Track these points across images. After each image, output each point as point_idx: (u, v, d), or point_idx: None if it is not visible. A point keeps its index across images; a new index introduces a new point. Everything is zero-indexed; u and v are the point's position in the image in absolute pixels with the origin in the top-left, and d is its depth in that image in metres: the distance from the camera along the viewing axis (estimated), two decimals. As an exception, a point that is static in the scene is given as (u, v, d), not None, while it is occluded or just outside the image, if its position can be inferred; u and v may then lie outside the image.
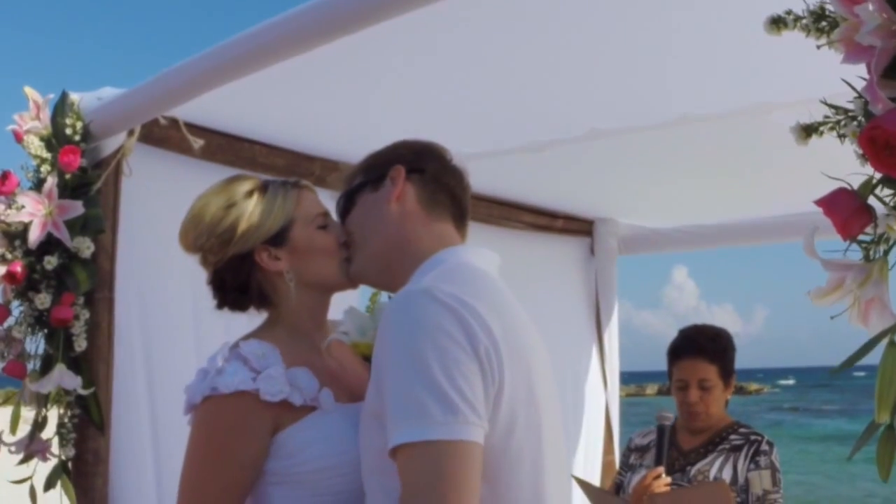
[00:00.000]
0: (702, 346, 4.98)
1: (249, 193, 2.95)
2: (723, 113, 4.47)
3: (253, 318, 3.05)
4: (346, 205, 2.88)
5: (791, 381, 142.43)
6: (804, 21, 2.00)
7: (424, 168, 2.80)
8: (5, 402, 4.14)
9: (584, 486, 4.85)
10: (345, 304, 3.06)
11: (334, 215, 3.00)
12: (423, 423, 2.20)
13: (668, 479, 4.65)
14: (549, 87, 4.33)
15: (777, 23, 2.05)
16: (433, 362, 2.23)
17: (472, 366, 2.26)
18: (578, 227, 7.12)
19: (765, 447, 4.75)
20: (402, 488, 2.23)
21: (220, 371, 2.73)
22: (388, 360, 2.33)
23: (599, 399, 7.16)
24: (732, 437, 4.85)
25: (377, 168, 2.83)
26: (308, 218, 2.96)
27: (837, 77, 1.86)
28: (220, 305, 3.03)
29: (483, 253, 2.71)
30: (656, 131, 4.77)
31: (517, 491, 2.38)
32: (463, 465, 2.19)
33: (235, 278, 2.94)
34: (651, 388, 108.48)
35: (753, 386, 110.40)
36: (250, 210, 2.91)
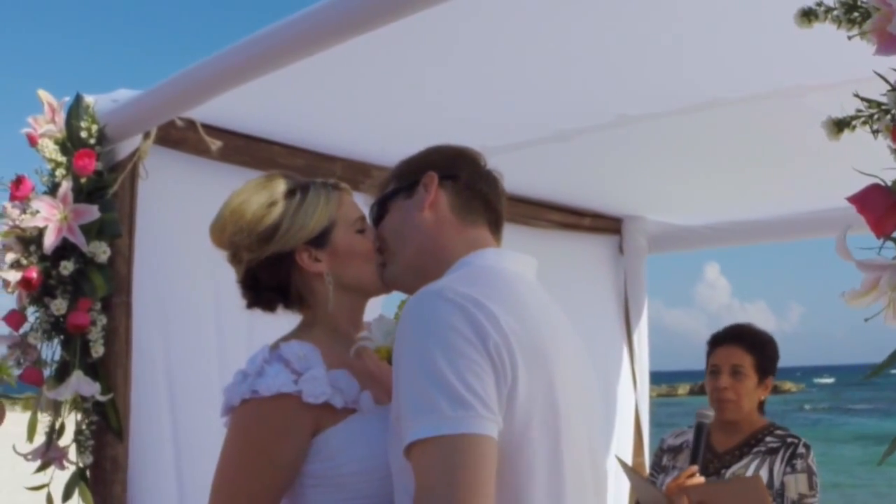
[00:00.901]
0: (741, 335, 5.00)
1: (291, 192, 2.94)
2: (754, 96, 4.42)
3: (278, 321, 3.04)
4: (380, 211, 2.89)
5: (830, 380, 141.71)
6: (835, 12, 1.97)
7: (458, 174, 2.80)
8: (25, 408, 4.14)
9: (626, 468, 4.85)
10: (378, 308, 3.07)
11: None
12: (433, 419, 2.21)
13: (702, 480, 4.61)
14: (576, 73, 4.29)
15: (808, 15, 2.03)
16: (441, 359, 2.25)
17: (482, 362, 2.27)
18: (606, 225, 7.08)
19: (801, 450, 4.71)
20: (415, 484, 2.24)
21: (260, 373, 2.72)
22: (401, 361, 2.35)
23: (629, 400, 7.13)
24: (768, 439, 4.82)
25: (410, 175, 2.83)
26: (348, 221, 2.97)
27: (874, 58, 1.83)
28: (251, 305, 3.02)
29: (515, 256, 2.71)
30: (686, 117, 4.72)
31: (532, 493, 2.37)
32: (475, 458, 2.20)
33: (272, 278, 2.93)
34: (683, 388, 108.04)
35: (788, 385, 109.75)
36: (293, 209, 2.90)
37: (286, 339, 2.88)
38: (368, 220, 2.98)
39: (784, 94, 4.35)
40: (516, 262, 2.69)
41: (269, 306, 3.01)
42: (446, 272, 2.63)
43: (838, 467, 34.45)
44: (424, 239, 2.73)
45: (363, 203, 3.06)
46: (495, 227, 2.83)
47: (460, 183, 2.79)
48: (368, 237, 2.95)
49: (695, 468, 4.59)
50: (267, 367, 2.73)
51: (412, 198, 2.79)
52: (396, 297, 3.01)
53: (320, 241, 2.91)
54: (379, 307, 3.10)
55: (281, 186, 2.95)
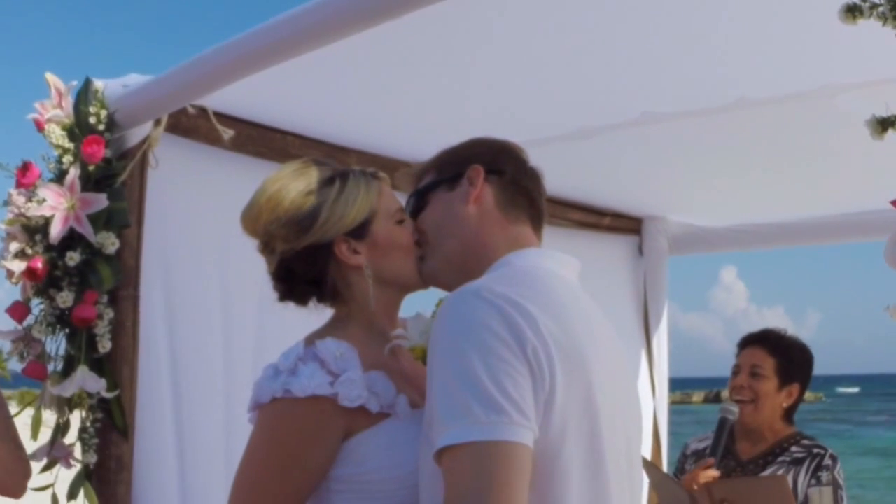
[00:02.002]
0: (767, 337, 5.05)
1: (330, 181, 2.87)
2: (783, 96, 4.40)
3: (288, 319, 3.01)
4: (419, 203, 2.87)
5: (854, 389, 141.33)
6: (881, 9, 1.95)
7: (503, 169, 2.80)
8: (26, 405, 4.13)
9: (648, 465, 4.83)
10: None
11: None
12: (466, 425, 2.20)
13: (717, 473, 4.60)
14: (600, 68, 4.28)
15: (852, 11, 2.02)
16: (477, 362, 2.24)
17: (519, 366, 2.25)
18: (626, 225, 7.06)
19: (828, 461, 4.70)
20: (445, 492, 2.22)
21: (293, 371, 2.68)
22: (434, 362, 2.34)
23: (647, 407, 7.08)
24: (794, 448, 4.81)
25: (453, 166, 2.82)
26: (388, 212, 2.91)
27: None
28: (283, 298, 2.96)
29: (557, 256, 2.71)
30: (711, 117, 4.70)
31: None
32: (508, 467, 2.18)
33: (308, 270, 2.87)
34: (697, 396, 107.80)
35: (806, 394, 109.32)
36: (333, 198, 2.84)
37: (321, 335, 2.82)
38: (406, 213, 2.95)
39: (814, 94, 4.34)
40: (558, 262, 2.69)
41: (301, 300, 2.95)
42: (487, 270, 2.62)
43: (856, 480, 34.37)
44: (467, 234, 2.73)
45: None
46: (537, 225, 2.83)
47: (506, 178, 2.79)
48: (408, 229, 2.91)
49: (712, 461, 4.59)
50: (302, 365, 2.68)
51: (455, 190, 2.78)
52: (433, 294, 2.98)
53: (360, 232, 2.86)
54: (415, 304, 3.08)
55: (320, 173, 2.89)
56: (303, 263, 2.87)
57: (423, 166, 2.93)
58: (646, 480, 4.94)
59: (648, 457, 6.98)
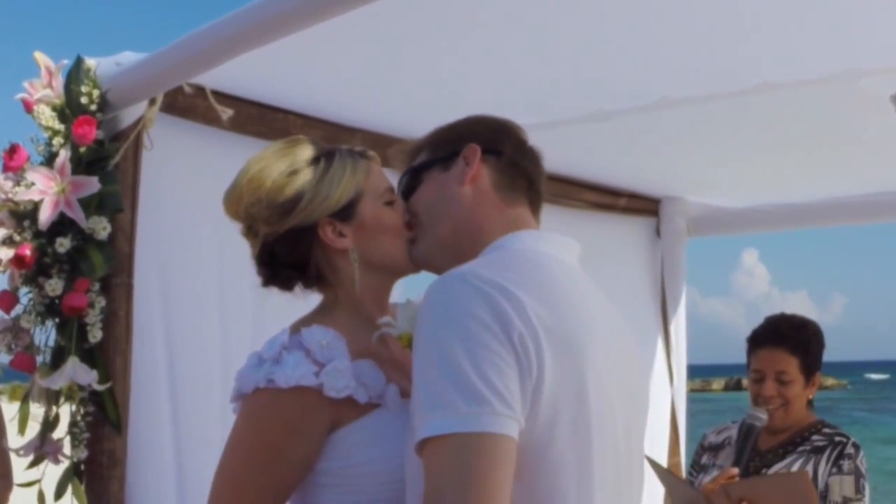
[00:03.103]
0: (784, 334, 4.91)
1: (315, 160, 2.86)
2: (806, 80, 4.38)
3: (286, 308, 2.98)
4: (411, 182, 2.85)
5: (884, 376, 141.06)
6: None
7: (501, 149, 2.78)
8: (13, 397, 4.10)
9: (657, 467, 4.78)
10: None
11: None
12: (446, 415, 2.18)
13: (736, 471, 4.56)
14: (618, 51, 4.25)
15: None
16: (459, 350, 2.21)
17: (504, 354, 2.22)
18: (643, 206, 7.05)
19: (850, 450, 4.66)
20: (425, 486, 2.20)
21: (277, 360, 2.65)
22: (417, 350, 2.32)
23: (665, 395, 7.09)
24: (815, 437, 4.77)
25: (449, 144, 2.79)
26: (377, 192, 2.89)
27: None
28: (267, 283, 2.94)
29: (555, 238, 2.67)
30: (733, 100, 4.68)
31: (559, 499, 2.32)
32: (489, 459, 2.16)
33: (291, 254, 2.85)
34: (717, 384, 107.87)
35: (830, 381, 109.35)
36: (317, 178, 2.82)
37: (307, 322, 2.80)
38: (398, 193, 2.92)
39: (837, 78, 4.31)
40: (556, 245, 2.65)
41: (286, 285, 2.94)
42: (480, 254, 2.59)
43: (878, 470, 34.36)
44: (462, 216, 2.70)
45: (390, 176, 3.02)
46: (536, 208, 2.80)
47: (504, 158, 2.76)
48: (398, 210, 2.89)
49: (735, 471, 4.54)
50: (286, 354, 2.66)
51: (450, 170, 2.75)
52: (425, 278, 2.94)
53: (346, 213, 2.84)
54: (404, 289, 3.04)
55: (304, 153, 2.88)
56: (286, 247, 2.85)
57: (416, 144, 2.91)
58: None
59: (666, 448, 6.97)
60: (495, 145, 2.77)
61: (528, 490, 2.27)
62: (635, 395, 2.63)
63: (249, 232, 2.91)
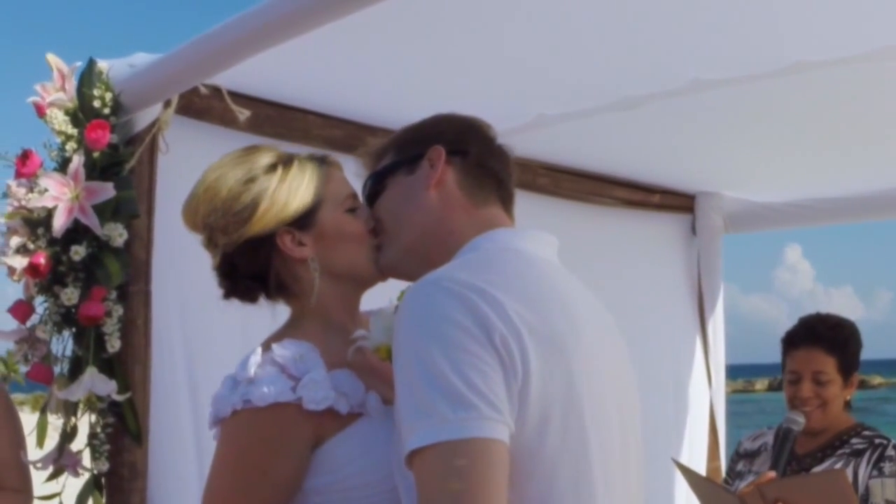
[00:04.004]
0: (820, 334, 4.88)
1: (272, 167, 2.86)
2: (844, 58, 4.32)
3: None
4: (376, 187, 2.84)
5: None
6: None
7: (467, 149, 2.76)
8: (35, 408, 4.12)
9: (687, 472, 4.76)
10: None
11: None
12: (432, 424, 2.17)
13: (772, 474, 4.53)
14: (645, 31, 4.21)
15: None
16: (439, 356, 2.21)
17: (486, 357, 2.22)
18: (678, 202, 7.02)
19: (891, 452, 4.64)
20: (418, 498, 2.19)
21: (252, 380, 2.65)
22: (397, 361, 2.32)
23: (703, 397, 7.08)
24: (854, 440, 4.74)
25: (412, 146, 2.78)
26: (337, 199, 2.89)
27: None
28: (228, 295, 2.97)
29: (531, 235, 2.66)
30: (766, 83, 4.63)
31: (556, 501, 2.31)
32: (482, 465, 2.15)
33: (251, 264, 2.87)
34: (761, 384, 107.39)
35: (878, 380, 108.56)
36: (274, 187, 2.82)
37: (277, 337, 2.81)
38: (361, 197, 2.91)
39: (877, 56, 4.27)
40: (533, 241, 2.65)
41: (248, 296, 2.96)
42: (454, 258, 2.58)
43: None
44: (428, 221, 2.69)
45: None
46: (509, 205, 2.79)
47: (470, 159, 2.75)
48: (361, 217, 2.89)
49: (772, 474, 4.51)
50: (260, 372, 2.66)
51: (415, 174, 2.74)
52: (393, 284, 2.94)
53: (304, 222, 2.84)
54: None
55: (261, 160, 2.88)
56: (245, 257, 2.86)
57: (382, 145, 2.89)
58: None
59: (704, 453, 6.94)
60: (461, 145, 2.75)
61: (520, 497, 2.26)
62: (629, 393, 2.62)
63: (209, 243, 2.92)
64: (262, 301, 3.01)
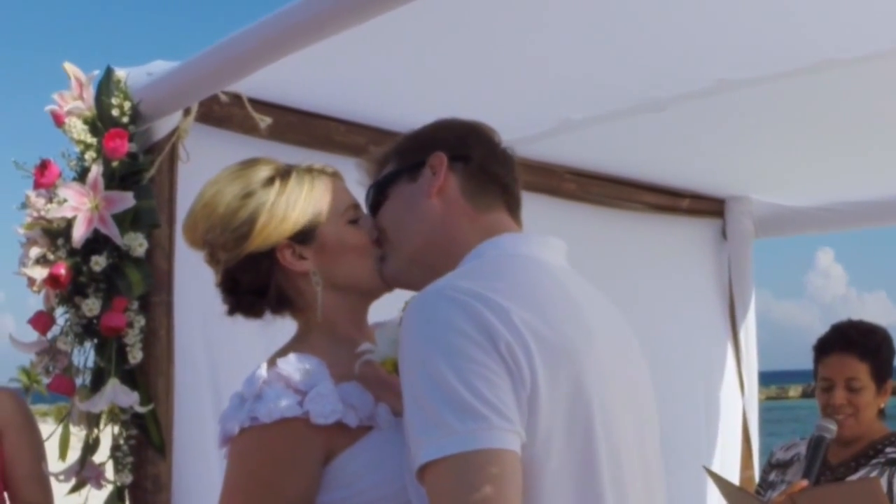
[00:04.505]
0: (852, 340, 4.85)
1: (269, 181, 2.85)
2: (873, 54, 4.28)
3: None
4: (378, 196, 2.82)
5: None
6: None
7: (470, 155, 2.73)
8: (58, 419, 4.12)
9: (719, 481, 4.74)
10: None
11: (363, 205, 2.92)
12: (441, 437, 2.16)
13: (805, 483, 4.50)
14: (669, 32, 4.20)
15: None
16: (445, 367, 2.19)
17: (493, 365, 2.20)
18: (707, 207, 7.00)
19: (926, 461, 4.61)
20: None
21: (259, 396, 2.64)
22: (403, 374, 2.31)
23: (735, 405, 7.05)
24: (889, 449, 4.72)
25: (414, 153, 2.76)
26: (338, 211, 2.87)
27: None
28: (232, 311, 2.97)
29: (538, 240, 2.64)
30: (795, 82, 4.59)
31: None
32: (494, 476, 2.13)
33: (252, 280, 2.86)
34: (794, 390, 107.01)
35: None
36: (272, 201, 2.80)
37: (283, 352, 2.79)
38: (364, 207, 2.90)
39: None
40: (539, 246, 2.62)
41: (251, 312, 2.95)
42: (458, 266, 2.55)
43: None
44: (432, 230, 2.67)
45: None
46: (514, 210, 2.76)
47: (472, 164, 2.72)
48: (363, 228, 2.87)
49: (805, 483, 4.48)
50: (266, 388, 2.64)
51: (417, 181, 2.72)
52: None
53: (305, 235, 2.83)
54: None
55: (259, 174, 2.87)
56: (246, 273, 2.85)
57: (384, 153, 2.88)
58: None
59: (738, 462, 6.92)
60: (463, 151, 2.72)
61: None
62: (644, 401, 2.59)
63: (211, 259, 2.92)
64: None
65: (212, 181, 2.88)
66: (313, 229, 2.82)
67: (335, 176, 2.96)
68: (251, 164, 2.91)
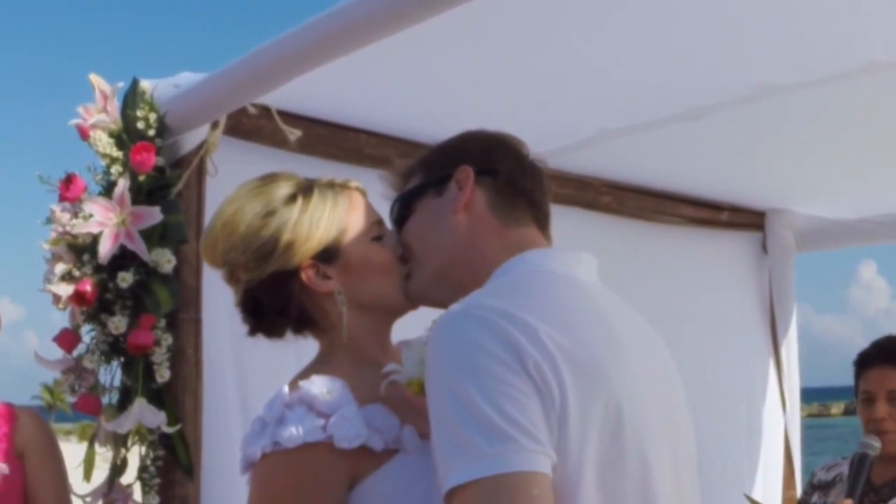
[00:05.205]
0: (893, 352, 4.83)
1: (291, 198, 2.81)
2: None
3: None
4: (403, 211, 2.78)
5: None
6: None
7: (497, 169, 2.68)
8: (82, 437, 4.12)
9: None
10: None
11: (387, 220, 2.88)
12: (469, 461, 2.11)
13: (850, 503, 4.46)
14: (708, 37, 4.17)
15: None
16: (472, 387, 2.15)
17: (521, 385, 2.16)
18: (748, 220, 6.97)
19: (976, 481, 4.57)
20: None
21: (281, 420, 2.59)
22: (429, 395, 2.27)
23: (777, 423, 7.00)
24: (936, 468, 4.67)
25: (440, 167, 2.71)
26: (362, 228, 2.83)
27: None
28: (253, 332, 2.92)
29: (567, 255, 2.60)
30: (837, 89, 4.56)
31: None
32: (526, 499, 2.09)
33: (275, 300, 2.82)
34: (836, 407, 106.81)
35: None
36: (295, 219, 2.76)
37: (305, 374, 2.74)
38: (389, 221, 2.85)
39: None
40: (569, 262, 2.58)
41: (273, 332, 2.91)
42: (485, 284, 2.51)
43: None
44: (458, 246, 2.62)
45: None
46: (544, 225, 2.72)
47: (500, 179, 2.67)
48: (388, 245, 2.83)
49: (849, 502, 4.44)
50: (288, 412, 2.60)
51: (443, 196, 2.67)
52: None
53: (329, 254, 2.78)
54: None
55: (279, 191, 2.82)
56: (268, 293, 2.81)
57: (409, 166, 2.83)
58: None
59: (780, 482, 6.87)
60: (490, 164, 2.68)
61: None
62: (679, 421, 2.55)
63: (231, 279, 2.88)
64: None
65: (230, 198, 2.85)
66: (337, 248, 2.78)
67: (358, 191, 2.92)
68: (270, 179, 2.88)
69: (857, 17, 4.00)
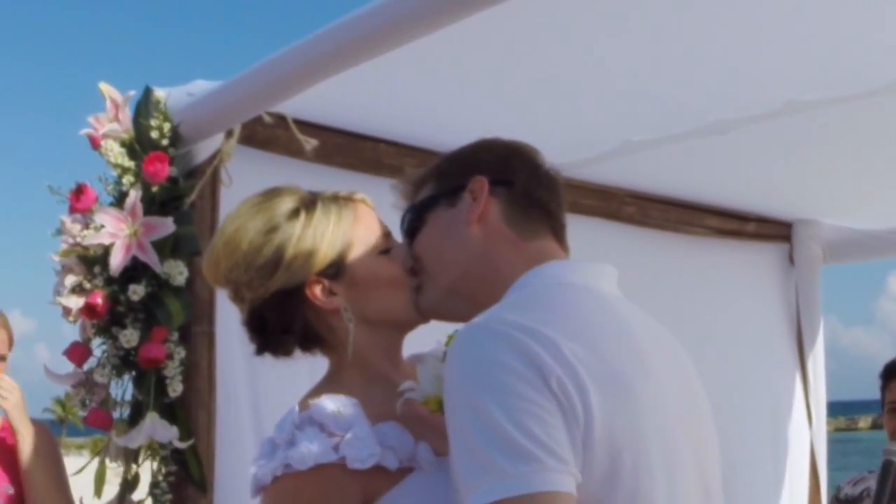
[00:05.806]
0: None
1: (294, 213, 2.77)
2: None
3: None
4: (415, 222, 2.73)
5: None
6: None
7: (512, 179, 2.64)
8: (94, 451, 4.10)
9: None
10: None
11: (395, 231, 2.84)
12: (491, 481, 2.08)
13: None
14: (735, 52, 4.15)
15: None
16: (493, 406, 2.12)
17: (544, 402, 2.12)
18: (774, 231, 6.95)
19: None
20: None
21: (292, 442, 2.55)
22: (448, 414, 2.24)
23: (803, 437, 6.98)
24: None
25: (454, 177, 2.67)
26: (368, 242, 2.79)
27: None
28: (260, 351, 2.89)
29: (586, 267, 2.56)
30: (864, 103, 4.52)
31: None
32: None
33: (280, 318, 2.78)
34: (864, 421, 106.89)
35: None
36: (297, 234, 2.73)
37: (315, 394, 2.70)
38: (400, 232, 2.80)
39: None
40: (588, 273, 2.54)
41: (280, 351, 2.87)
42: (503, 297, 2.47)
43: None
44: (472, 259, 2.59)
45: None
46: (560, 236, 2.67)
47: (516, 189, 2.63)
48: (396, 258, 2.78)
49: None
50: (298, 433, 2.56)
51: (456, 206, 2.63)
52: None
53: (334, 270, 2.75)
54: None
55: (282, 206, 2.78)
56: (274, 311, 2.77)
57: (420, 175, 2.79)
58: None
59: (805, 497, 6.84)
60: (505, 174, 2.64)
61: None
62: (705, 434, 2.52)
63: (235, 297, 2.85)
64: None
65: (232, 215, 2.82)
66: (343, 262, 2.74)
67: (364, 203, 2.89)
68: (273, 194, 2.84)
69: (882, 35, 3.98)
